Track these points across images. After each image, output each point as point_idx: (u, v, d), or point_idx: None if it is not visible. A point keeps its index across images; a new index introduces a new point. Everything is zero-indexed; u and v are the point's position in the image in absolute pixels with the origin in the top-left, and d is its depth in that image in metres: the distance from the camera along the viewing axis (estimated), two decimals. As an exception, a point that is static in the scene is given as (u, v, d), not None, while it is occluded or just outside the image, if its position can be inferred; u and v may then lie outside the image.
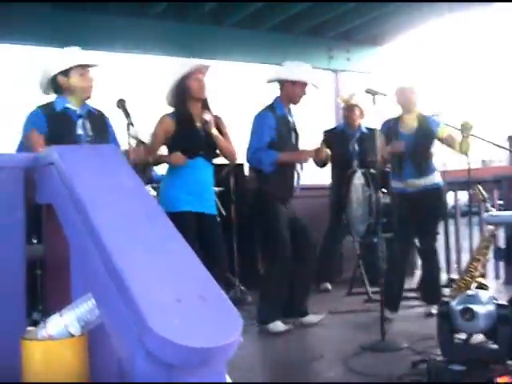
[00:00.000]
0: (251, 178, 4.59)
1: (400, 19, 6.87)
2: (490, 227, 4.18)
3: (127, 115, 3.56)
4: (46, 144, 3.26)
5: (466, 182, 4.90)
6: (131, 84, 9.47)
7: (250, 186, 4.64)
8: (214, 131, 4.07)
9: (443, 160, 5.48)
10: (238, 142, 4.42)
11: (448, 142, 4.72)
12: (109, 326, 1.33)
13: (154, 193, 5.02)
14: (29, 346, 1.41)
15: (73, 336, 1.42)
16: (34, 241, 3.30)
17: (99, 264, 1.30)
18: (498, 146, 5.12)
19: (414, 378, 3.11)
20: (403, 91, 4.73)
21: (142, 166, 4.08)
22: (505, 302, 3.03)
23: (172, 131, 4.10)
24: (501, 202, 6.13)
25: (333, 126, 6.48)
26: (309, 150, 4.53)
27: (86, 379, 1.46)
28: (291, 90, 4.44)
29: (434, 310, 4.35)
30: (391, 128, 4.76)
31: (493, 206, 4.73)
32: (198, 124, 4.11)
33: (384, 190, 5.01)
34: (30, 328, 1.55)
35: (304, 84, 4.43)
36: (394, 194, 4.89)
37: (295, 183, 4.52)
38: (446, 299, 3.66)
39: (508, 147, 6.57)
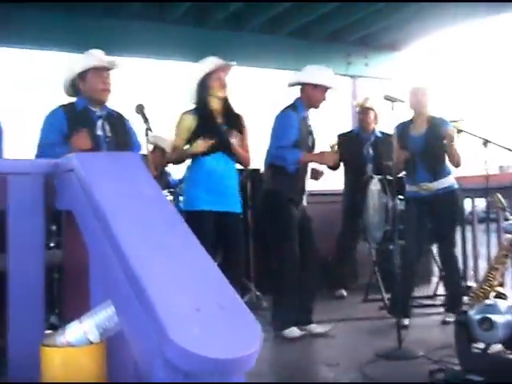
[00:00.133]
0: (267, 178, 4.56)
1: (418, 25, 6.84)
2: (509, 236, 4.12)
3: (146, 120, 3.59)
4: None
5: (484, 188, 4.79)
6: (150, 89, 9.52)
7: (264, 186, 4.63)
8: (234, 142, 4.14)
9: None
10: (254, 147, 4.46)
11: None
12: (128, 333, 1.34)
13: (170, 197, 5.04)
14: (48, 353, 1.42)
15: (91, 343, 1.42)
16: (52, 244, 3.34)
17: (119, 271, 1.31)
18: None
19: (431, 388, 3.08)
20: (415, 93, 4.69)
21: (159, 171, 4.11)
22: (523, 312, 3.00)
23: (193, 127, 4.15)
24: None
25: (348, 130, 6.48)
26: (331, 153, 4.54)
27: (103, 386, 1.46)
28: (312, 94, 4.42)
29: (451, 318, 4.31)
30: (403, 130, 4.72)
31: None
32: (219, 120, 4.17)
33: (400, 196, 4.98)
34: (48, 331, 1.56)
35: (325, 88, 4.41)
36: (408, 198, 4.81)
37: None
38: (463, 308, 3.63)
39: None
